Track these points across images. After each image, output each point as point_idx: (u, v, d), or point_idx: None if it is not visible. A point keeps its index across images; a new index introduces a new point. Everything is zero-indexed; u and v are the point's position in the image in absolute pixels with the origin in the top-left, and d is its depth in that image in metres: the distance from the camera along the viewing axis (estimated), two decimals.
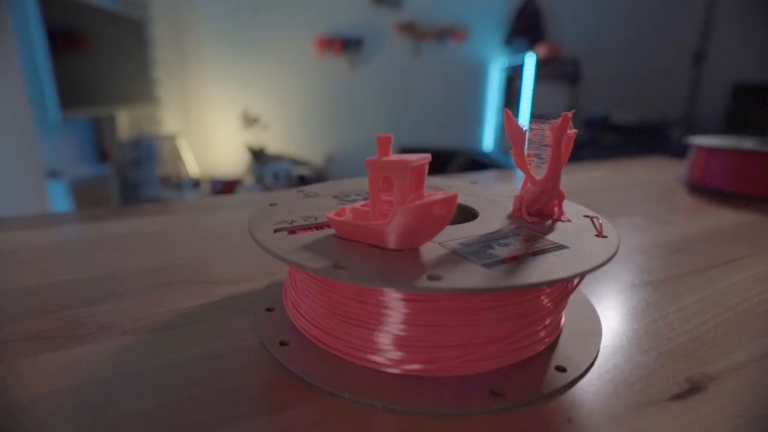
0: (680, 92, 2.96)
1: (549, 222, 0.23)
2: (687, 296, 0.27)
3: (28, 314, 0.25)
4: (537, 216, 0.24)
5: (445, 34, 2.93)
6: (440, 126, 3.10)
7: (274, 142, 3.00)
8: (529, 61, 2.59)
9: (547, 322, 0.21)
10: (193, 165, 2.87)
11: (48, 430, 0.17)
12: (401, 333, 0.19)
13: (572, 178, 0.67)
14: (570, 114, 0.22)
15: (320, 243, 0.20)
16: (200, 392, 0.19)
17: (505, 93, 2.96)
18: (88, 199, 1.69)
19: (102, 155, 2.16)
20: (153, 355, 0.21)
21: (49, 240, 0.37)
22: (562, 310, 0.22)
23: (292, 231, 0.22)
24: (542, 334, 0.20)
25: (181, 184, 2.78)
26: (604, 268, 0.31)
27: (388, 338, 0.19)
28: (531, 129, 0.23)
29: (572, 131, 0.23)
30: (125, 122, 2.31)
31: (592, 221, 0.24)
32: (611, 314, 0.25)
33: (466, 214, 0.26)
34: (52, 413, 0.17)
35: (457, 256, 0.18)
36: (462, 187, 0.32)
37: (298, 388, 0.19)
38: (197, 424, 0.17)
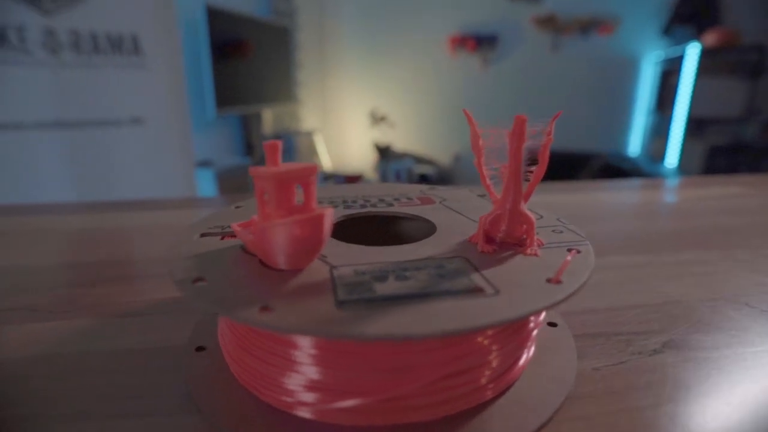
0: None
1: (508, 253, 0.19)
2: (728, 374, 0.19)
3: (36, 288, 0.28)
4: (499, 244, 0.19)
5: (589, 26, 2.64)
6: (578, 127, 2.81)
7: (402, 140, 3.06)
8: (692, 53, 2.18)
9: (454, 382, 0.16)
10: (326, 159, 3.10)
11: None
12: (276, 365, 0.17)
13: (687, 194, 0.54)
14: (525, 117, 0.17)
15: (220, 253, 0.19)
16: (110, 381, 0.19)
17: (659, 90, 2.56)
18: (231, 186, 1.94)
19: (248, 148, 2.46)
20: (100, 339, 0.23)
21: (115, 223, 0.43)
22: (493, 370, 0.17)
23: (224, 236, 0.21)
24: (448, 395, 0.16)
25: None
26: (624, 316, 0.24)
27: (265, 369, 0.17)
28: (488, 135, 0.19)
29: (544, 139, 0.18)
30: (269, 119, 2.59)
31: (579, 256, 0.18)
32: (595, 383, 0.19)
33: (427, 232, 0.22)
34: None
35: (328, 285, 0.15)
36: (465, 199, 0.27)
37: (180, 398, 0.18)
38: (89, 413, 0.18)
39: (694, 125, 2.34)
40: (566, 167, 2.48)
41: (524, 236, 0.19)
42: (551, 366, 0.19)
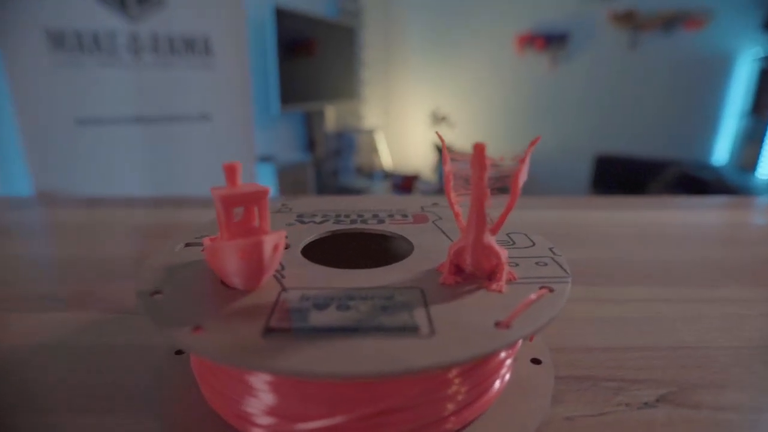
0: None
1: (471, 287, 0.17)
2: None
3: (60, 279, 0.31)
4: (468, 276, 0.18)
5: (674, 21, 2.43)
6: (656, 131, 2.60)
7: (463, 141, 3.01)
8: None
9: (401, 417, 0.15)
10: (386, 157, 3.12)
11: None
12: (230, 384, 0.17)
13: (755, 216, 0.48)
14: (484, 145, 0.16)
15: (190, 266, 0.19)
16: (83, 378, 0.21)
17: (757, 90, 2.29)
18: (289, 181, 2.01)
19: (310, 145, 2.54)
20: (95, 334, 0.24)
21: (135, 219, 0.46)
22: (457, 404, 0.16)
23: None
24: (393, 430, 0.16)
25: (372, 174, 3.06)
26: (623, 359, 0.22)
27: (220, 386, 0.17)
28: (453, 161, 0.18)
29: (514, 166, 0.17)
30: (332, 116, 2.66)
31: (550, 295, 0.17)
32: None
33: (404, 254, 0.22)
34: None
35: (268, 310, 0.15)
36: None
37: (143, 400, 0.19)
38: (60, 410, 0.19)
39: None
40: (637, 176, 2.29)
41: (494, 270, 0.18)
42: (516, 410, 0.18)
